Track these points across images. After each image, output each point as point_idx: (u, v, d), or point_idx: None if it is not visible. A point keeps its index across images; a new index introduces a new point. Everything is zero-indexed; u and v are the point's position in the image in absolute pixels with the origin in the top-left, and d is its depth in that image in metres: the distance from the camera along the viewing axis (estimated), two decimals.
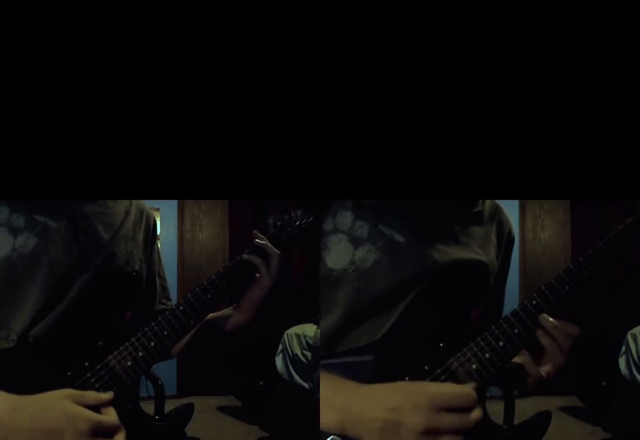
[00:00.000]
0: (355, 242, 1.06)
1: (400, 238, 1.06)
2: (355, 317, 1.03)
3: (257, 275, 1.16)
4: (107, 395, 1.05)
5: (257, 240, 1.16)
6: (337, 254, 1.06)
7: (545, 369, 0.99)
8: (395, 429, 0.92)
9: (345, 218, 1.08)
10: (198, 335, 1.20)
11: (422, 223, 1.08)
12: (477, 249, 1.11)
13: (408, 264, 1.04)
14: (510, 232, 1.21)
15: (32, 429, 0.97)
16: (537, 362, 1.00)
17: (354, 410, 0.95)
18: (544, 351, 0.98)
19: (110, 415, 1.04)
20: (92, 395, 1.04)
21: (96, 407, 1.03)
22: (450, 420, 0.93)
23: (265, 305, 1.19)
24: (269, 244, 1.15)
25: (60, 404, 1.00)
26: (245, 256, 1.14)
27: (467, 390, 0.96)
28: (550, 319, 0.98)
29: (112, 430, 1.03)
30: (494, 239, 1.16)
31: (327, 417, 0.97)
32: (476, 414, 0.95)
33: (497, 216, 1.19)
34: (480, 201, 1.16)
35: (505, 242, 1.20)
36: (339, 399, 0.97)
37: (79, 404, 1.01)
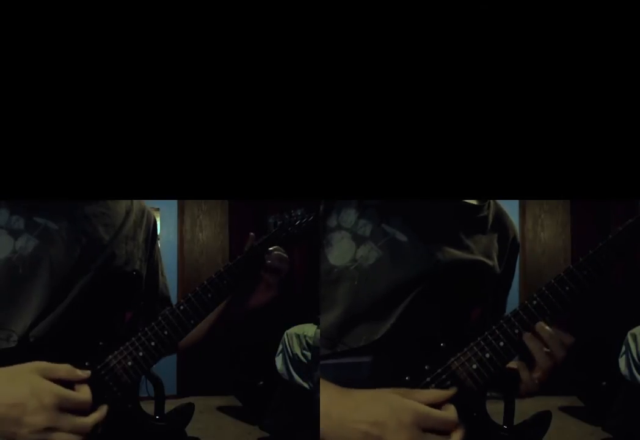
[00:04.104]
0: (358, 239, 1.06)
1: (403, 237, 1.06)
2: (355, 315, 1.03)
3: (269, 262, 1.13)
4: (83, 373, 1.00)
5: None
6: (339, 251, 1.06)
7: (536, 376, 0.99)
8: None
9: (349, 215, 1.08)
10: (224, 314, 1.18)
11: (425, 224, 1.08)
12: (479, 253, 1.11)
13: (410, 263, 1.04)
14: (515, 238, 1.20)
15: None
16: (530, 368, 0.99)
17: (334, 417, 0.93)
18: (536, 359, 0.98)
19: (82, 393, 0.98)
20: (65, 369, 0.99)
21: (69, 383, 0.98)
22: None
23: (284, 285, 1.16)
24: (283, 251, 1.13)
25: (26, 377, 0.95)
26: (255, 244, 1.11)
27: (452, 416, 0.95)
28: (547, 328, 0.98)
29: (82, 407, 0.97)
30: (497, 245, 1.16)
31: None
32: (455, 437, 0.94)
33: (502, 222, 1.19)
34: (486, 206, 1.15)
35: (509, 248, 1.19)
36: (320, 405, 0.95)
37: (48, 378, 0.96)
